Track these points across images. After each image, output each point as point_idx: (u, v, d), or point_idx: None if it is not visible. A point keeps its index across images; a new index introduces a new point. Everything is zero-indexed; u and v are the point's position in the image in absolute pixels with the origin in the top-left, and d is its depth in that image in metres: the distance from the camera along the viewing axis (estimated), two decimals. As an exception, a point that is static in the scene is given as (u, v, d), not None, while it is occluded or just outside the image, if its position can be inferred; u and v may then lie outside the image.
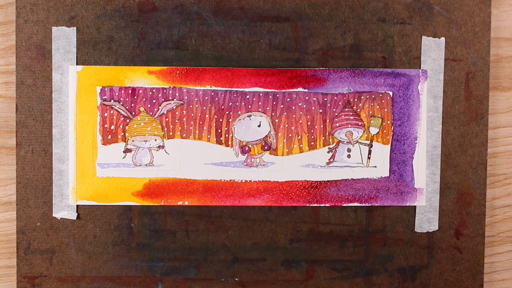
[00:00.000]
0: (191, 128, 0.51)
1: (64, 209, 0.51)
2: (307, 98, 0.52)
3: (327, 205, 0.52)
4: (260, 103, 0.52)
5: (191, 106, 0.51)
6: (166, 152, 0.51)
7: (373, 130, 0.52)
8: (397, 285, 0.53)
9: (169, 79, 0.51)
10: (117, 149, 0.51)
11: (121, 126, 0.51)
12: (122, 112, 0.51)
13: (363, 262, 0.53)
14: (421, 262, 0.53)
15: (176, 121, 0.51)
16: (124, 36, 0.51)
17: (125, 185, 0.51)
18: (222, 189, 0.52)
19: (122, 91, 0.51)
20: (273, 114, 0.52)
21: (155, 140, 0.51)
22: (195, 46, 0.51)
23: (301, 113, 0.52)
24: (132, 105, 0.51)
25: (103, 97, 0.51)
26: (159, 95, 0.51)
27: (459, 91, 0.52)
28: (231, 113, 0.52)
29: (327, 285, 0.53)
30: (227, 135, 0.52)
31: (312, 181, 0.52)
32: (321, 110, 0.52)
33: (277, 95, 0.52)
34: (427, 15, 0.52)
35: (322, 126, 0.52)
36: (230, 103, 0.51)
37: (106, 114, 0.51)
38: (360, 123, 0.52)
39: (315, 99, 0.52)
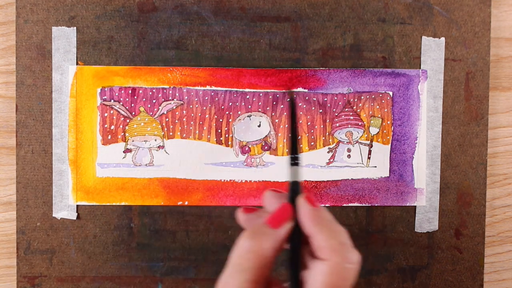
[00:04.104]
0: (191, 128, 0.51)
1: (64, 209, 0.51)
2: (307, 98, 0.52)
3: (327, 205, 0.52)
4: (260, 103, 0.52)
5: (191, 106, 0.51)
6: (166, 152, 0.51)
7: (373, 130, 0.52)
8: (397, 285, 0.53)
9: (169, 79, 0.51)
10: (117, 149, 0.51)
11: (121, 126, 0.51)
12: (122, 112, 0.51)
13: (363, 262, 0.53)
14: (421, 262, 0.53)
15: (176, 121, 0.51)
16: (124, 36, 0.51)
17: (125, 185, 0.51)
18: (222, 189, 0.52)
19: (122, 91, 0.51)
20: (273, 114, 0.52)
21: (155, 140, 0.51)
22: (195, 46, 0.51)
23: (301, 113, 0.52)
24: (132, 105, 0.51)
25: (103, 97, 0.51)
26: (159, 95, 0.51)
27: (459, 91, 0.52)
28: (231, 113, 0.52)
29: (327, 285, 0.53)
30: (227, 135, 0.52)
31: (312, 181, 0.52)
32: (321, 110, 0.52)
33: (277, 95, 0.52)
34: (427, 15, 0.52)
35: (322, 126, 0.52)
36: (230, 103, 0.51)
37: (106, 114, 0.51)
38: (360, 123, 0.52)
39: (315, 99, 0.52)
